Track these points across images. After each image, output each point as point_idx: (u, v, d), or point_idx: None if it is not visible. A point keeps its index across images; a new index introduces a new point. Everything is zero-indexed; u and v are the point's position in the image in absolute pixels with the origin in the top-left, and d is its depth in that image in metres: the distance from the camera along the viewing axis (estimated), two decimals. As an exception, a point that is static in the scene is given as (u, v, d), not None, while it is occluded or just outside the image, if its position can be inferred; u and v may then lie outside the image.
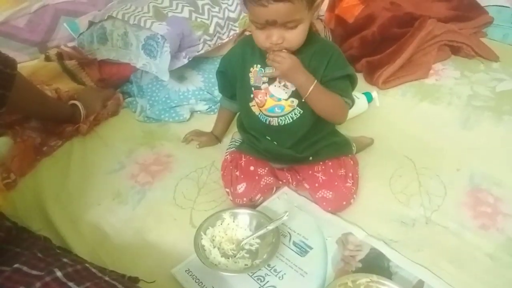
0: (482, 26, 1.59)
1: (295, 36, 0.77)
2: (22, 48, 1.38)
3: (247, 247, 0.81)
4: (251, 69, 0.88)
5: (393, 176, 1.01)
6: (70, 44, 1.39)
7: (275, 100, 0.87)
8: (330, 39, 1.53)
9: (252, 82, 0.88)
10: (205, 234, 0.82)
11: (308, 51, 0.83)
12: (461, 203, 0.93)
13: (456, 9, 1.58)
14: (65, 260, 0.62)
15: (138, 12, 1.20)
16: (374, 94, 1.27)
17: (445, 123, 1.19)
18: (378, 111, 1.25)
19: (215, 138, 1.13)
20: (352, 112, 1.20)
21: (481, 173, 1.00)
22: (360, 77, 1.38)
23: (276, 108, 0.88)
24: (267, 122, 0.90)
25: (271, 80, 0.86)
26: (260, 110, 0.90)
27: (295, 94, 0.86)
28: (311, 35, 0.83)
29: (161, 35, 1.14)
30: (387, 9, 1.47)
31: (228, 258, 0.79)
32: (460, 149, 1.09)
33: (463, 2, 1.60)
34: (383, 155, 1.08)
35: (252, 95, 0.89)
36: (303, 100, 0.85)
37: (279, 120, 0.89)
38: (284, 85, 0.86)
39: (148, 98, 1.25)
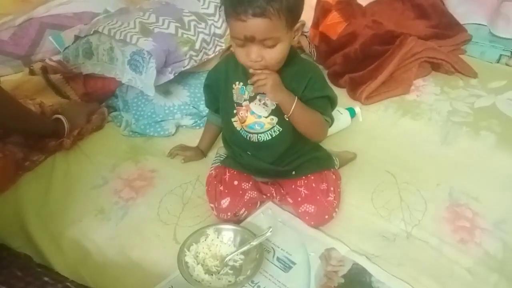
0: (461, 43, 1.64)
1: (274, 55, 0.78)
2: (6, 61, 1.37)
3: (231, 263, 0.81)
4: (234, 85, 0.89)
5: (375, 191, 1.03)
6: (55, 58, 1.38)
7: (256, 117, 0.88)
8: (315, 55, 1.56)
9: (234, 98, 0.90)
10: (188, 250, 0.82)
11: (289, 72, 0.84)
12: (441, 217, 0.96)
13: (436, 27, 1.62)
14: (45, 279, 0.61)
15: (124, 27, 1.20)
16: (357, 109, 1.30)
17: (425, 139, 1.22)
18: (361, 126, 1.27)
19: (200, 152, 1.13)
20: (335, 127, 1.24)
21: (459, 188, 1.03)
22: (343, 93, 1.42)
23: (256, 125, 0.89)
24: (248, 138, 0.91)
25: (252, 97, 0.87)
26: (242, 126, 0.91)
27: (275, 112, 0.87)
28: (292, 56, 0.84)
29: (147, 51, 1.14)
30: (369, 27, 1.51)
31: (212, 275, 0.79)
32: (439, 164, 1.12)
33: (442, 21, 1.65)
34: (366, 169, 1.10)
35: (234, 111, 0.90)
36: (286, 118, 0.85)
37: (258, 137, 0.90)
38: (264, 103, 0.87)
39: (134, 113, 1.24)
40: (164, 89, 1.26)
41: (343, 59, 1.46)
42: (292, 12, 0.75)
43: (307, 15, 1.61)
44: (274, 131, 0.89)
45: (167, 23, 1.22)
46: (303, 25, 0.81)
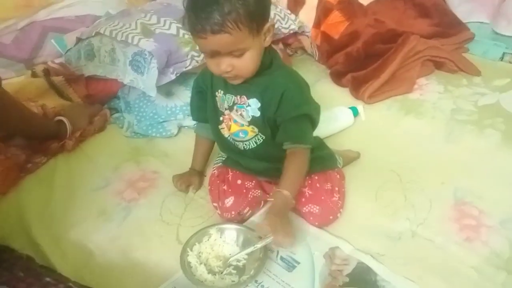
0: (464, 42, 1.63)
1: (244, 64, 0.76)
2: (9, 64, 1.38)
3: (234, 263, 0.81)
4: (217, 93, 0.88)
5: (379, 190, 1.02)
6: (57, 61, 1.39)
7: (239, 125, 0.87)
8: (316, 55, 1.56)
9: (218, 105, 0.88)
10: (191, 250, 0.82)
11: (263, 82, 0.82)
12: (446, 216, 0.94)
13: (438, 26, 1.62)
14: (47, 279, 0.61)
15: (125, 28, 1.20)
16: (360, 108, 1.29)
17: (429, 137, 1.21)
18: (364, 125, 1.27)
19: (197, 173, 1.05)
20: (338, 126, 1.24)
21: (464, 186, 1.02)
22: (346, 92, 1.42)
23: (240, 133, 0.88)
24: (236, 145, 0.91)
25: (231, 107, 0.86)
26: (229, 133, 0.90)
27: (254, 122, 0.85)
28: (269, 61, 0.82)
29: (148, 51, 1.14)
30: (371, 26, 1.50)
31: (215, 275, 0.79)
32: (444, 162, 1.10)
33: (444, 19, 1.64)
34: (369, 169, 1.09)
35: (221, 118, 0.89)
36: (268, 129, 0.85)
37: (244, 145, 0.89)
38: (241, 114, 0.85)
39: (136, 114, 1.24)
40: (166, 90, 1.25)
41: (345, 58, 1.46)
42: (254, 19, 0.73)
43: (309, 15, 1.61)
44: (258, 139, 0.88)
45: (168, 23, 1.22)
46: (273, 25, 0.78)
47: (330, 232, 0.91)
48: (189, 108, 1.23)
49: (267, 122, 0.85)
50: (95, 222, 0.96)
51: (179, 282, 0.79)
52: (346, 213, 0.95)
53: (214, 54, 0.75)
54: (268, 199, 0.83)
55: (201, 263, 0.80)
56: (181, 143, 1.20)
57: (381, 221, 0.94)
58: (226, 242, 0.85)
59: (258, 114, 0.85)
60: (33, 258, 0.82)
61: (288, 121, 0.83)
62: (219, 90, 0.87)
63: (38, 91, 1.23)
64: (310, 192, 0.93)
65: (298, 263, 0.83)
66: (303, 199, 0.93)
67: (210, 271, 0.79)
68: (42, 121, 1.11)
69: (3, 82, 1.18)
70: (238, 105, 0.85)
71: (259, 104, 0.84)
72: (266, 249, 0.81)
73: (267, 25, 0.77)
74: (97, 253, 0.89)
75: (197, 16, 0.71)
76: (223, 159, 1.03)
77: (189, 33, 0.75)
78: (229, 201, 0.93)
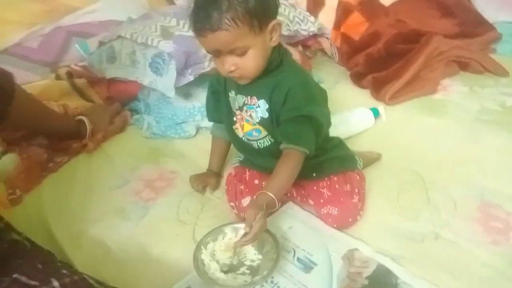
0: (490, 42, 1.58)
1: (247, 63, 0.76)
2: (35, 68, 1.42)
3: (248, 263, 0.79)
4: (229, 93, 0.88)
5: (401, 191, 0.99)
6: (80, 64, 1.42)
7: (251, 124, 0.86)
8: (337, 56, 1.54)
9: (231, 106, 0.88)
10: (205, 248, 0.81)
11: (273, 80, 0.81)
12: (472, 218, 0.90)
13: (463, 26, 1.58)
14: (63, 271, 0.62)
15: (146, 31, 1.23)
16: (381, 109, 1.26)
17: (453, 138, 1.17)
18: (385, 126, 1.24)
19: (213, 174, 1.04)
20: (358, 128, 1.21)
21: (491, 187, 0.97)
22: (366, 93, 1.39)
23: (254, 132, 0.87)
24: (251, 145, 0.89)
25: (241, 107, 0.86)
26: (243, 133, 0.89)
27: (263, 124, 0.84)
28: (277, 61, 0.81)
29: (167, 53, 1.16)
30: (392, 26, 1.48)
31: (228, 274, 0.77)
32: (469, 163, 1.06)
33: (469, 19, 1.60)
34: (391, 170, 1.06)
35: (234, 118, 0.88)
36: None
37: (258, 143, 0.88)
38: (250, 115, 0.85)
39: (155, 115, 1.26)
40: (185, 91, 1.26)
41: (366, 59, 1.43)
42: (255, 16, 0.72)
43: (329, 16, 1.60)
44: (270, 139, 0.87)
45: (187, 26, 1.23)
46: (279, 24, 0.77)
47: (349, 234, 0.88)
48: (207, 109, 1.25)
49: (276, 123, 0.84)
50: (114, 220, 0.97)
51: (194, 281, 0.78)
52: (366, 215, 0.92)
53: (216, 53, 0.76)
54: (253, 197, 0.80)
55: (214, 261, 0.79)
56: (199, 144, 1.20)
57: (403, 222, 0.91)
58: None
59: (266, 115, 0.84)
60: (53, 254, 0.83)
61: (288, 120, 0.81)
62: (232, 91, 0.87)
63: (61, 92, 1.26)
64: (329, 194, 0.91)
65: (316, 264, 0.81)
66: (322, 200, 0.91)
67: (223, 270, 0.78)
68: (61, 119, 1.13)
69: (27, 85, 1.23)
70: (248, 106, 0.85)
71: (267, 105, 0.83)
72: (280, 250, 0.79)
73: (272, 23, 0.75)
74: (114, 250, 0.90)
75: (197, 15, 0.73)
76: (241, 159, 1.03)
77: (193, 32, 0.76)
78: (246, 200, 0.92)
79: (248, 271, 0.78)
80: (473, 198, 0.95)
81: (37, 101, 1.04)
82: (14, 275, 0.59)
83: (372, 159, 1.08)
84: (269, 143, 0.87)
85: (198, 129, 1.26)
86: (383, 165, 1.08)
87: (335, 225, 0.89)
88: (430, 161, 1.07)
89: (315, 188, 0.94)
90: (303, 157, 0.80)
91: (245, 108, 0.85)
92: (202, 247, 0.80)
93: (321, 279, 0.78)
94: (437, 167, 1.05)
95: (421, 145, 1.14)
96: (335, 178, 0.93)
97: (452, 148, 1.12)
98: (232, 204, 0.95)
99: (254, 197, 0.79)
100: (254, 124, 0.86)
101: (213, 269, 0.77)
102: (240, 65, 0.76)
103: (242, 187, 0.94)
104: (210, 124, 1.24)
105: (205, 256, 0.79)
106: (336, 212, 0.89)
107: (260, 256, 0.80)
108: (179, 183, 1.07)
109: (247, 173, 0.97)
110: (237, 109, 0.87)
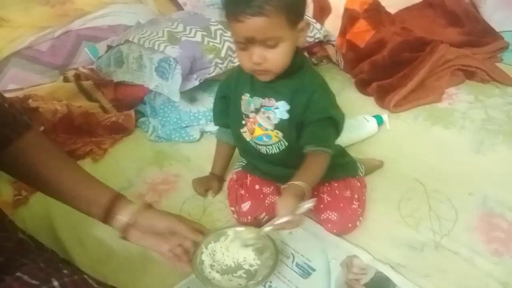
0: (497, 51, 1.57)
1: (276, 56, 0.75)
2: (44, 71, 1.46)
3: (246, 267, 0.80)
4: (242, 96, 0.88)
5: (402, 199, 0.99)
6: (88, 67, 1.45)
7: (263, 129, 0.86)
8: (342, 63, 1.55)
9: (242, 109, 0.88)
10: (206, 248, 0.82)
11: (294, 82, 0.81)
12: (473, 227, 0.90)
13: (469, 34, 1.57)
14: (64, 271, 0.63)
15: (153, 36, 1.25)
16: (385, 117, 1.26)
17: (457, 147, 1.16)
18: (388, 134, 1.24)
19: (216, 178, 1.05)
20: (362, 135, 1.21)
21: (494, 197, 0.97)
22: (371, 100, 1.40)
23: (264, 137, 0.87)
24: (258, 149, 0.90)
25: (257, 109, 0.85)
26: (251, 137, 0.89)
27: (279, 127, 0.84)
28: (299, 64, 0.82)
29: (173, 58, 1.18)
30: (398, 34, 1.48)
31: (224, 275, 0.78)
32: (472, 173, 1.06)
33: (476, 27, 1.59)
34: (393, 178, 1.06)
35: (243, 122, 0.89)
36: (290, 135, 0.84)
37: (266, 149, 0.88)
38: (268, 117, 0.84)
39: (160, 118, 1.28)
40: (190, 96, 1.28)
41: (371, 66, 1.44)
42: (292, 9, 0.73)
43: (334, 24, 1.61)
44: (280, 145, 0.87)
45: (194, 31, 1.26)
46: (308, 24, 0.78)
47: (349, 241, 0.88)
48: (211, 113, 1.26)
49: (295, 126, 0.84)
50: (117, 222, 0.99)
51: (193, 283, 0.79)
52: (366, 222, 0.93)
53: (248, 41, 0.74)
54: (282, 187, 0.79)
55: (214, 261, 0.80)
56: (203, 148, 1.21)
57: (403, 231, 0.91)
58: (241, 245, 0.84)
59: (286, 116, 0.84)
60: (57, 253, 0.85)
61: (314, 123, 0.82)
62: (245, 93, 0.87)
63: (68, 94, 1.28)
64: (329, 199, 0.92)
65: (314, 270, 0.81)
66: (322, 206, 0.91)
67: (220, 271, 0.78)
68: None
69: (36, 87, 1.24)
70: (266, 107, 0.85)
71: (288, 107, 0.83)
72: (277, 256, 0.79)
73: (302, 22, 0.76)
74: (116, 250, 0.91)
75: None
76: (243, 164, 1.04)
77: (227, 19, 0.74)
78: (246, 205, 0.93)
79: (245, 275, 0.78)
80: (475, 208, 0.95)
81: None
82: (17, 274, 0.60)
83: (374, 167, 1.08)
84: (278, 150, 0.87)
85: (202, 133, 1.27)
86: (385, 173, 1.08)
87: (334, 230, 0.89)
88: (432, 170, 1.07)
89: (315, 193, 0.94)
90: (329, 158, 0.82)
91: (262, 110, 0.85)
92: (203, 246, 0.81)
93: (319, 285, 0.78)
94: (440, 176, 1.05)
95: (425, 153, 1.14)
96: (336, 184, 0.94)
97: (456, 157, 1.12)
98: (232, 208, 0.96)
99: (283, 187, 0.77)
100: (266, 129, 0.86)
101: (210, 269, 0.78)
102: (268, 58, 0.75)
103: (242, 192, 0.95)
104: (215, 128, 1.25)
105: (205, 256, 0.80)
106: (335, 218, 0.89)
107: (258, 262, 0.80)
108: (182, 186, 1.09)
109: (248, 178, 0.98)
110: (251, 112, 0.86)
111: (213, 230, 0.84)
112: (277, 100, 0.84)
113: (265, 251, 0.81)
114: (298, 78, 0.82)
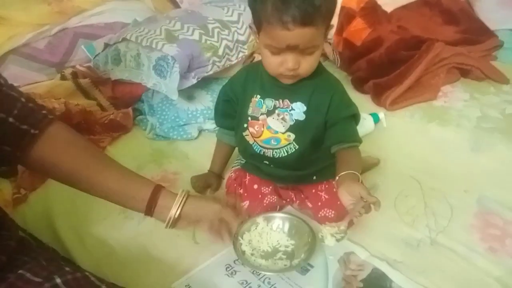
0: (492, 49, 1.59)
1: (310, 62, 0.75)
2: (41, 68, 1.45)
3: (282, 249, 0.83)
4: (252, 98, 0.87)
5: (399, 197, 1.00)
6: (85, 65, 1.45)
7: (272, 132, 0.86)
8: (338, 62, 1.55)
9: (249, 111, 0.87)
10: (242, 238, 0.83)
11: (313, 83, 0.82)
12: (468, 225, 0.92)
13: (465, 33, 1.58)
14: (66, 268, 0.64)
15: (150, 34, 1.25)
16: (381, 115, 1.28)
17: (453, 145, 1.18)
18: (385, 132, 1.25)
19: (215, 175, 1.05)
20: (359, 132, 1.22)
21: (490, 195, 0.99)
22: (367, 98, 1.41)
23: (272, 140, 0.87)
24: (262, 153, 0.89)
25: (270, 111, 0.85)
26: (255, 140, 0.89)
27: (293, 129, 0.85)
28: (318, 66, 0.82)
29: (171, 56, 1.18)
30: (394, 32, 1.49)
31: (268, 260, 0.81)
32: (468, 171, 1.07)
33: (472, 26, 1.60)
34: (389, 175, 1.07)
35: (246, 125, 0.88)
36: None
37: (273, 153, 0.88)
38: (283, 118, 0.85)
39: (158, 117, 1.28)
40: (188, 94, 1.29)
41: (367, 64, 1.45)
42: (330, 18, 0.74)
43: (331, 22, 1.61)
44: (290, 148, 0.87)
45: (191, 30, 1.26)
46: (332, 28, 0.78)
47: (346, 238, 0.89)
48: (209, 112, 1.27)
49: (312, 126, 0.85)
50: (117, 220, 0.99)
51: (193, 279, 0.81)
52: (362, 219, 0.92)
53: (288, 49, 0.72)
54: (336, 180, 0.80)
55: (252, 250, 0.82)
56: (201, 146, 1.22)
57: (399, 228, 0.92)
58: (273, 230, 0.87)
59: (303, 117, 0.84)
60: (57, 251, 0.86)
61: (340, 122, 0.84)
62: (256, 95, 0.86)
63: (66, 92, 1.28)
64: (326, 197, 0.93)
65: (312, 266, 0.82)
66: (319, 203, 0.93)
67: (262, 257, 0.82)
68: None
69: (34, 85, 1.23)
70: (281, 109, 0.84)
71: (304, 108, 0.83)
72: (315, 234, 0.82)
73: (330, 26, 0.76)
74: (117, 249, 0.91)
75: (287, 6, 0.68)
76: (242, 162, 1.04)
77: (267, 24, 0.71)
78: (245, 205, 0.94)
79: (284, 256, 0.82)
80: (471, 205, 0.96)
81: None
82: (19, 271, 0.61)
83: (371, 164, 1.10)
84: (286, 153, 0.87)
85: (200, 131, 1.28)
86: (381, 170, 1.09)
87: (331, 228, 0.91)
88: (429, 167, 1.08)
89: (313, 191, 0.96)
90: (359, 149, 0.86)
91: (276, 111, 0.85)
92: (240, 237, 0.83)
93: (317, 281, 0.79)
94: (436, 173, 1.06)
95: (421, 151, 1.15)
96: (333, 182, 0.95)
97: (452, 156, 1.13)
98: (231, 207, 0.96)
99: (337, 178, 0.79)
100: (276, 132, 0.86)
101: (254, 257, 0.81)
102: (303, 64, 0.75)
103: (241, 191, 0.96)
104: (213, 126, 1.27)
105: (244, 246, 0.82)
106: (332, 215, 0.90)
107: (293, 242, 0.84)
108: (181, 184, 1.09)
109: (247, 177, 0.98)
110: (261, 114, 0.86)
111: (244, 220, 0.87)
112: (292, 102, 0.84)
113: (294, 230, 0.85)
114: (315, 78, 0.82)
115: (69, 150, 0.73)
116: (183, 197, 0.76)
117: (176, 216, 0.75)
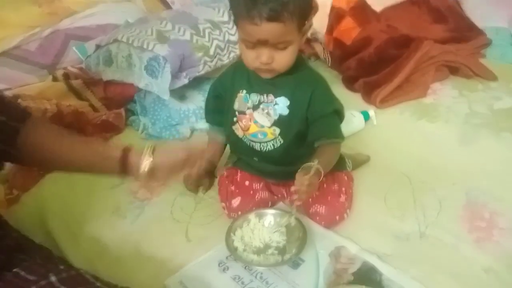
0: (480, 47, 1.61)
1: (284, 57, 0.78)
2: (33, 70, 1.44)
3: (274, 244, 0.84)
4: (238, 94, 0.89)
5: (389, 192, 1.01)
6: (77, 66, 1.45)
7: (259, 126, 0.88)
8: (329, 61, 1.57)
9: (236, 106, 0.89)
10: (234, 234, 0.85)
11: (294, 78, 0.84)
12: (457, 217, 0.93)
13: (453, 31, 1.61)
14: (61, 267, 0.65)
15: (142, 35, 1.26)
16: (371, 112, 1.29)
17: (442, 141, 1.20)
18: (375, 129, 1.27)
19: (206, 175, 1.03)
20: (349, 130, 1.24)
21: (477, 187, 1.00)
22: (358, 96, 1.42)
23: (259, 134, 0.89)
24: (251, 146, 0.91)
25: (255, 106, 0.87)
26: (244, 134, 0.91)
27: (278, 123, 0.86)
28: (298, 61, 0.84)
29: (162, 56, 1.19)
30: (383, 31, 1.51)
31: (260, 255, 0.82)
32: (456, 165, 1.09)
33: (460, 24, 1.63)
34: (379, 172, 1.08)
35: (235, 119, 0.90)
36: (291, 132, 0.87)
37: (261, 146, 0.90)
38: (267, 113, 0.87)
39: (151, 117, 1.29)
40: (180, 94, 1.29)
41: (357, 63, 1.47)
42: (303, 15, 0.76)
43: (322, 22, 1.63)
44: (276, 142, 0.89)
45: (182, 30, 1.27)
46: (310, 26, 0.81)
47: (337, 232, 0.91)
48: (201, 111, 1.28)
49: (296, 121, 0.86)
50: (110, 219, 1.00)
51: (186, 275, 0.81)
52: (354, 214, 0.95)
53: (259, 43, 0.75)
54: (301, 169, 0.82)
55: (245, 246, 0.84)
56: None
57: (389, 222, 0.94)
58: (264, 226, 0.88)
59: (286, 112, 0.86)
60: (51, 250, 0.86)
61: (321, 118, 0.85)
62: (242, 90, 0.88)
63: (57, 94, 1.27)
64: (317, 193, 0.93)
65: (303, 261, 0.83)
66: (310, 200, 0.93)
67: (254, 253, 0.83)
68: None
69: (25, 87, 1.23)
70: (265, 104, 0.86)
71: (288, 102, 0.85)
72: (305, 229, 0.84)
73: (307, 24, 0.79)
74: (110, 247, 0.92)
75: (255, 2, 0.71)
76: (234, 160, 1.05)
77: (239, 18, 0.75)
78: (236, 201, 0.94)
79: (276, 251, 0.83)
80: (458, 198, 0.98)
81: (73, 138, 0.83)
82: (15, 269, 0.62)
83: (361, 161, 1.11)
84: (272, 147, 0.89)
85: (192, 131, 1.28)
86: (372, 167, 1.11)
87: (322, 223, 0.91)
88: (418, 163, 1.10)
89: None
90: (339, 146, 0.89)
91: (261, 106, 0.86)
92: (232, 233, 0.85)
93: (308, 275, 0.80)
94: (425, 168, 1.08)
95: (410, 147, 1.17)
96: (324, 178, 0.96)
97: (441, 151, 1.15)
98: (223, 204, 0.97)
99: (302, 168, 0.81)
100: (262, 127, 0.87)
101: (246, 252, 0.82)
102: (276, 59, 0.77)
103: (233, 188, 0.97)
104: (205, 126, 1.27)
105: (237, 242, 0.84)
106: (323, 211, 0.92)
107: (284, 237, 0.85)
108: (174, 183, 1.09)
109: (239, 174, 0.99)
110: (248, 108, 0.88)
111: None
112: (275, 96, 0.86)
113: (287, 226, 0.85)
114: (297, 74, 0.84)
115: (47, 133, 0.77)
116: (150, 147, 0.78)
117: (148, 162, 0.77)
